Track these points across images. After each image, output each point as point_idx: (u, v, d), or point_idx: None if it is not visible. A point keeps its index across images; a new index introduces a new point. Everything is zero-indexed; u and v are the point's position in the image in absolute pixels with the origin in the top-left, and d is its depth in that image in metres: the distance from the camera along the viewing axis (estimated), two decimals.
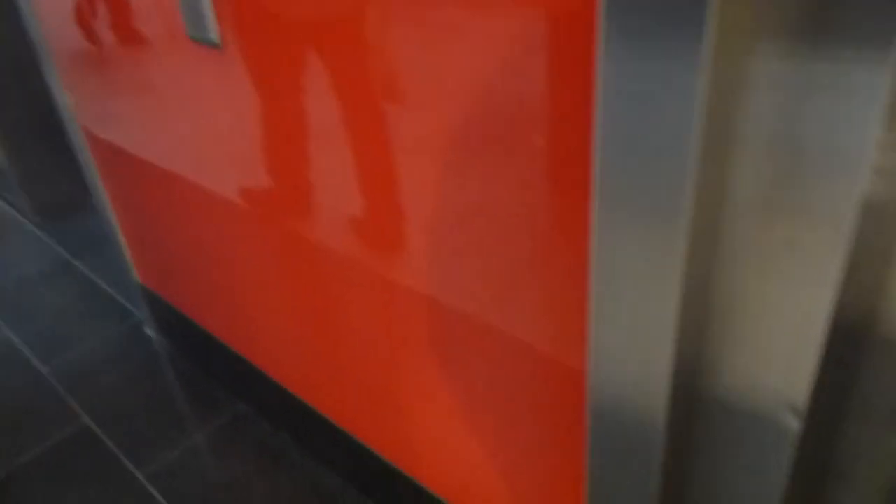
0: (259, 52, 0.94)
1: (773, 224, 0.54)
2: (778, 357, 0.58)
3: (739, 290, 0.58)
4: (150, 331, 1.92)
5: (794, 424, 0.59)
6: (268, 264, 1.23)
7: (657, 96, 0.51)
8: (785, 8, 0.47)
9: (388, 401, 1.12)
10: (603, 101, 0.55)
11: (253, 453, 1.50)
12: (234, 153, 1.13)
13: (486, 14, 0.64)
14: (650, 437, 0.66)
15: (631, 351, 0.63)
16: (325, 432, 1.32)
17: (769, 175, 0.52)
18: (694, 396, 0.65)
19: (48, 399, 1.73)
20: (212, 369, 1.72)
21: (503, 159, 0.71)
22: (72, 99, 1.56)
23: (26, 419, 1.68)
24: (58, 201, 2.69)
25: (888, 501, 0.65)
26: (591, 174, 0.58)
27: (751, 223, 0.55)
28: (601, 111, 0.55)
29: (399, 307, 0.97)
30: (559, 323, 0.76)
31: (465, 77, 0.70)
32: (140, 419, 1.63)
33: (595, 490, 0.76)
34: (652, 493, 0.70)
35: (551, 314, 0.76)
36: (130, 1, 1.17)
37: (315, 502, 1.37)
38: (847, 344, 0.60)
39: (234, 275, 1.37)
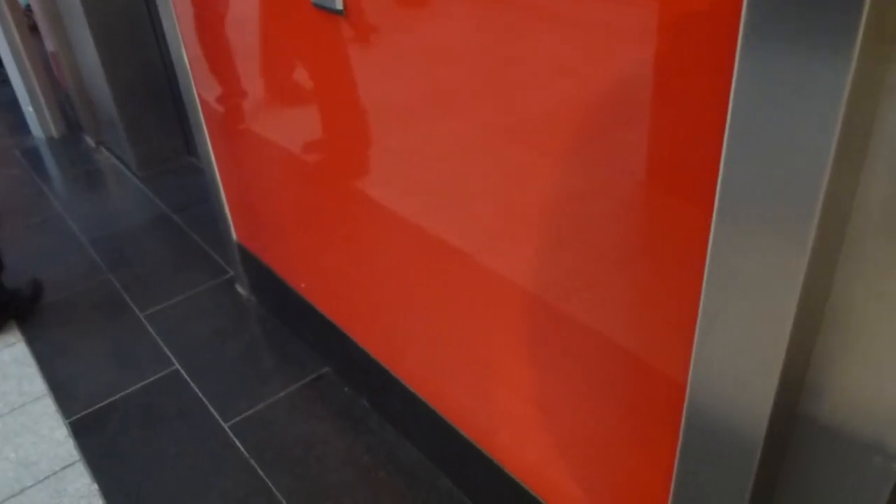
0: (383, 19, 0.95)
1: None
2: (894, 381, 0.56)
3: (857, 309, 0.56)
4: (241, 288, 2.01)
5: None
6: (366, 235, 1.26)
7: (796, 98, 0.50)
8: None
9: (476, 381, 1.13)
10: (737, 99, 0.53)
11: (333, 415, 1.55)
12: (346, 121, 1.15)
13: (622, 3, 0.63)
14: (745, 452, 0.64)
15: (737, 365, 0.62)
16: (407, 403, 1.36)
17: None
18: (795, 416, 0.64)
19: (143, 342, 1.84)
20: (299, 329, 1.79)
21: (623, 158, 0.70)
22: (190, 63, 1.63)
23: (123, 358, 1.79)
24: (161, 158, 2.83)
25: None
26: (715, 176, 0.57)
27: (875, 239, 0.53)
28: (734, 111, 0.54)
29: (497, 295, 0.98)
30: (662, 330, 0.75)
31: (596, 66, 0.69)
32: (228, 371, 1.72)
33: (679, 501, 0.75)
34: None
35: (655, 321, 0.75)
36: None
37: (390, 470, 1.41)
38: None
39: (329, 241, 1.41)
